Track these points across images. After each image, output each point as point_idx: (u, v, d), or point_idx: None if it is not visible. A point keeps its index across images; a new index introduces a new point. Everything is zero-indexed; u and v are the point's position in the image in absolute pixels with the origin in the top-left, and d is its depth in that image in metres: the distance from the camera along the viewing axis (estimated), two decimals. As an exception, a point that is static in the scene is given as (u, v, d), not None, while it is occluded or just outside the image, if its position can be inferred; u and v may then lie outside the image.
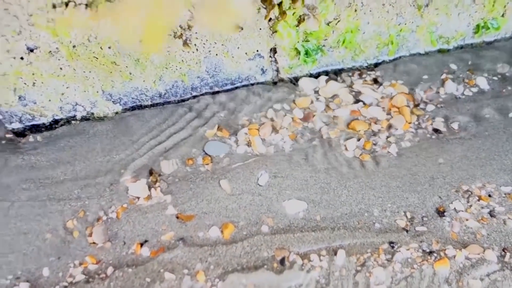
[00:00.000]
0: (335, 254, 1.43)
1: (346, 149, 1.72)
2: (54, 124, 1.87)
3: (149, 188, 1.66)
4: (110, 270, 1.46)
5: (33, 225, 1.61)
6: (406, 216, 1.54)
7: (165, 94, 1.85)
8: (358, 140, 1.74)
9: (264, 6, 1.57)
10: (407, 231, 1.50)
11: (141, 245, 1.51)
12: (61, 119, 1.86)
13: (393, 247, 1.45)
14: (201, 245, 1.48)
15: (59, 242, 1.56)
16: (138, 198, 1.64)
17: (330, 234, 1.49)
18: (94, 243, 1.54)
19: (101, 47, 1.59)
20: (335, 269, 1.40)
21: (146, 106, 1.89)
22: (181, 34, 1.60)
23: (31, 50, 1.57)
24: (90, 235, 1.56)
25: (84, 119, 1.88)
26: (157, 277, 1.41)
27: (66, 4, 1.44)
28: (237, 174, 1.66)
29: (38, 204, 1.66)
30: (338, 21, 1.70)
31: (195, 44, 1.67)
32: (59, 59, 1.61)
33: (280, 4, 1.55)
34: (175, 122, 1.85)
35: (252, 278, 1.36)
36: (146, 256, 1.49)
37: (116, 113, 1.88)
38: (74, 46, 1.57)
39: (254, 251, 1.45)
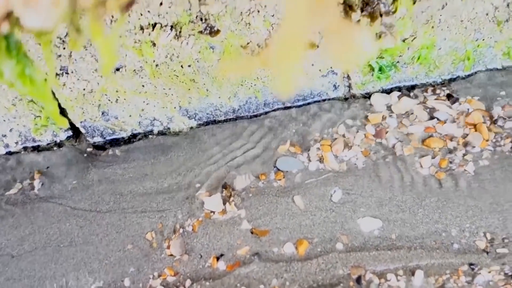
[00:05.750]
0: (413, 274, 1.41)
1: (421, 166, 1.69)
2: (132, 138, 1.96)
3: (224, 202, 1.70)
4: (188, 283, 1.51)
5: (114, 236, 1.69)
6: (486, 237, 1.50)
7: (238, 109, 1.89)
8: (433, 157, 1.71)
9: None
10: (487, 252, 1.46)
11: (217, 258, 1.55)
12: (139, 133, 1.95)
13: (473, 269, 1.42)
14: (276, 261, 1.50)
15: (139, 253, 1.63)
16: (214, 212, 1.69)
17: (407, 253, 1.47)
18: (172, 255, 1.60)
19: (181, 66, 1.66)
20: (413, 290, 1.38)
21: (219, 121, 1.94)
22: (259, 52, 1.64)
23: (117, 69, 1.66)
24: (168, 247, 1.62)
25: (161, 133, 1.96)
26: (234, 290, 1.44)
27: (153, 26, 1.51)
28: (310, 190, 1.67)
29: (119, 215, 1.74)
30: (414, 38, 1.69)
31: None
32: (142, 77, 1.69)
33: (357, 23, 1.56)
34: (247, 137, 1.89)
35: (329, 296, 1.36)
36: (222, 270, 1.52)
37: (191, 128, 1.95)
38: (157, 65, 1.65)
39: (329, 269, 1.45)
